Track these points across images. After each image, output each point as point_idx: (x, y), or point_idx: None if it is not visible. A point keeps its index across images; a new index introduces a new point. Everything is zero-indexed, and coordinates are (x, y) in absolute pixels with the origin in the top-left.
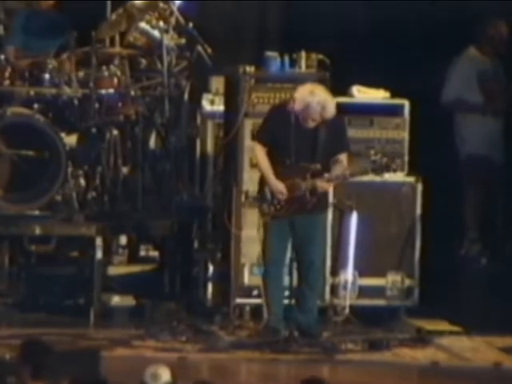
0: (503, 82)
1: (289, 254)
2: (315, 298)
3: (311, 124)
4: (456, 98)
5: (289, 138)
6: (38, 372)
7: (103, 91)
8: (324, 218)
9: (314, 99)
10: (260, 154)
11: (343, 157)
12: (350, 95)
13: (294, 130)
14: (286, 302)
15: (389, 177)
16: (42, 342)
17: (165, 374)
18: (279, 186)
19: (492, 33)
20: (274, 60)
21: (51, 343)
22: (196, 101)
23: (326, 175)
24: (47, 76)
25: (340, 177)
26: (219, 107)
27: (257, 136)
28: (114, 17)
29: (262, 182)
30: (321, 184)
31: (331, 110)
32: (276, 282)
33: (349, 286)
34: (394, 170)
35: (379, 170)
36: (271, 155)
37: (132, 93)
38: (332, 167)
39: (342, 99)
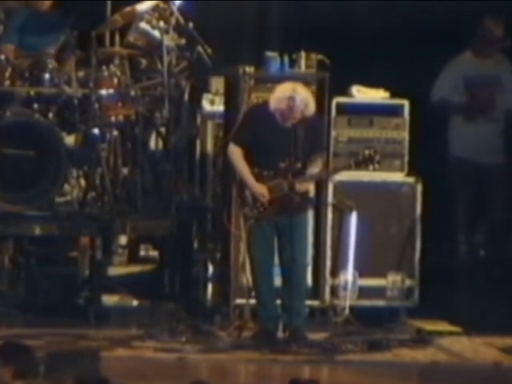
0: (501, 88)
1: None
2: (301, 299)
3: (291, 123)
4: (440, 99)
5: (269, 138)
6: (18, 372)
7: (103, 91)
8: (306, 217)
9: (298, 97)
10: (237, 156)
11: (319, 156)
12: (350, 95)
13: (274, 129)
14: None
15: (377, 166)
16: (21, 343)
17: None
18: (260, 189)
19: (483, 32)
20: (274, 60)
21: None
22: (196, 101)
23: (307, 174)
24: (47, 76)
25: (321, 175)
26: (219, 107)
27: (234, 137)
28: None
29: (241, 185)
30: (299, 184)
31: (312, 108)
32: (266, 284)
33: (349, 286)
34: (378, 162)
35: (362, 162)
36: (250, 157)
37: (132, 93)
38: (309, 166)
39: (342, 99)
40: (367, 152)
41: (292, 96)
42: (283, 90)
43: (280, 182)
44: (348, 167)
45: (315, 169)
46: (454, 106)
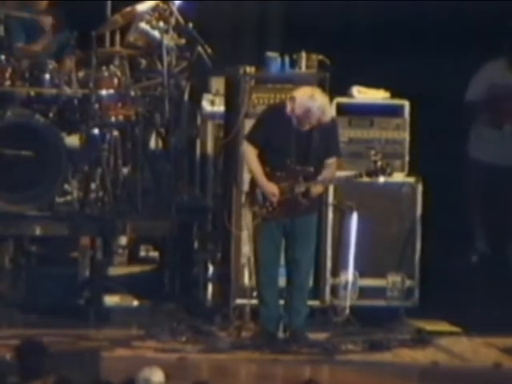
0: None
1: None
2: (303, 300)
3: (307, 127)
4: (468, 101)
5: (283, 139)
6: (35, 372)
7: (103, 91)
8: (314, 219)
9: (315, 104)
10: (251, 155)
11: (333, 161)
12: (350, 96)
13: (289, 132)
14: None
15: (388, 178)
16: (38, 342)
17: (157, 376)
18: (271, 188)
19: None
20: (275, 60)
21: (47, 343)
22: (196, 101)
23: (319, 178)
24: (47, 76)
25: (333, 180)
26: (219, 108)
27: (249, 136)
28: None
29: (253, 183)
30: (315, 187)
31: (329, 115)
32: (269, 284)
33: (349, 286)
34: (389, 174)
35: (373, 173)
36: (263, 156)
37: (132, 93)
38: (323, 170)
39: (342, 100)
40: (380, 163)
41: (307, 104)
42: (301, 96)
43: (291, 184)
44: (359, 176)
45: (327, 173)
46: (480, 112)
